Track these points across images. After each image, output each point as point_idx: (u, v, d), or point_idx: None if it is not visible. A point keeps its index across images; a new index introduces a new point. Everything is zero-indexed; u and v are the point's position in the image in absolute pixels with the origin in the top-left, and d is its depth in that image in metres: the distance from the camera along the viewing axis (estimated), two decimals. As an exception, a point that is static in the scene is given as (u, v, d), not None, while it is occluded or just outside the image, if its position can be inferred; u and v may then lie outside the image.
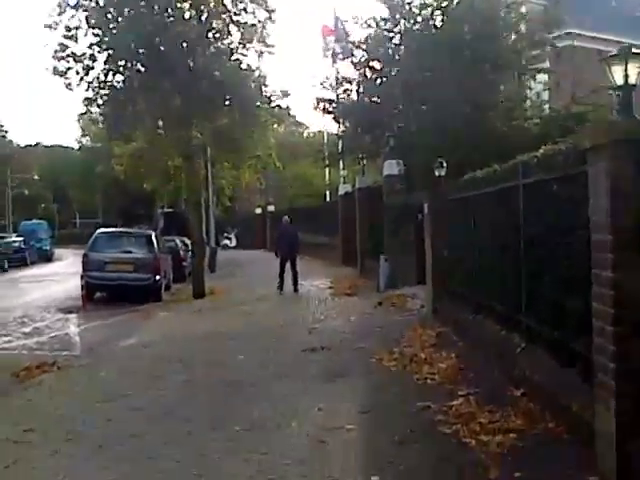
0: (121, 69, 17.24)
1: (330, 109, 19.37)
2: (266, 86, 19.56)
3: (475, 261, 8.32)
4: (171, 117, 18.11)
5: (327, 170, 33.59)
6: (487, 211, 7.60)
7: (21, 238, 36.63)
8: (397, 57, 19.14)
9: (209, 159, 27.23)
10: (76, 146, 75.09)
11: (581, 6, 25.43)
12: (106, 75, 17.23)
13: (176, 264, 21.64)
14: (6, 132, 72.57)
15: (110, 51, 17.01)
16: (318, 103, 19.51)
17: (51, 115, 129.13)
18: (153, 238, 17.39)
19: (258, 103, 19.00)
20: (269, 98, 19.48)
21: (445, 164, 11.31)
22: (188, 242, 29.71)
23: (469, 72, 16.64)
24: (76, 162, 69.96)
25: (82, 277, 15.51)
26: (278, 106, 19.68)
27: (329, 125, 25.58)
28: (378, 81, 19.24)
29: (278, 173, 46.74)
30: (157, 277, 16.89)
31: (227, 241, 50.79)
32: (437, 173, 11.33)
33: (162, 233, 33.46)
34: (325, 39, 22.31)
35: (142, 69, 17.40)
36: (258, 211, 47.36)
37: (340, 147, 21.08)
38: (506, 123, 16.40)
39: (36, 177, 62.74)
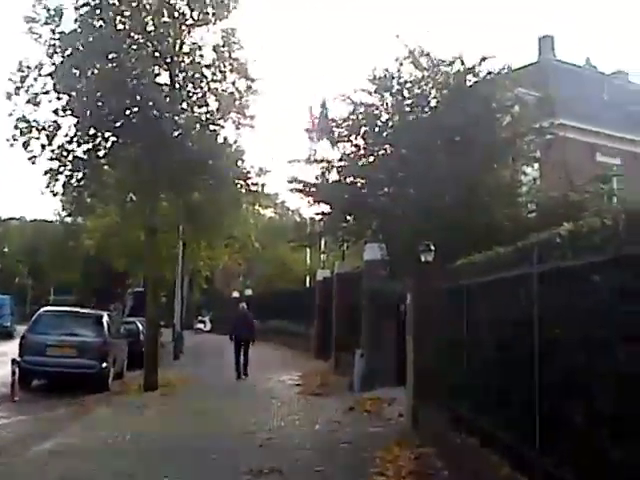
0: (86, 137, 15.79)
1: (305, 190, 18.08)
2: (243, 161, 18.27)
3: (469, 367, 6.61)
4: (139, 188, 16.61)
5: (307, 254, 32.17)
6: (487, 305, 5.96)
7: (-20, 314, 34.40)
8: (384, 134, 18.08)
9: (180, 236, 25.63)
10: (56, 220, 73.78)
11: (572, 98, 24.85)
12: (70, 143, 15.78)
13: (136, 349, 19.61)
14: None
15: (76, 118, 15.65)
16: (291, 183, 18.25)
17: (33, 187, 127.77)
18: (103, 319, 15.51)
19: (234, 179, 17.63)
20: (246, 174, 18.14)
21: (433, 247, 9.80)
22: (154, 325, 27.90)
23: (463, 154, 15.49)
24: (54, 237, 68.31)
25: (13, 361, 13.50)
26: (254, 184, 18.26)
27: (306, 208, 24.29)
28: (361, 161, 18.09)
29: (258, 256, 45.36)
30: (104, 364, 14.89)
31: (201, 325, 48.84)
32: (423, 258, 9.79)
33: (130, 314, 31.58)
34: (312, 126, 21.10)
35: (110, 136, 16.01)
36: (235, 294, 45.52)
37: (319, 229, 19.67)
38: (501, 209, 15.08)
39: (6, 250, 60.54)
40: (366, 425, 9.58)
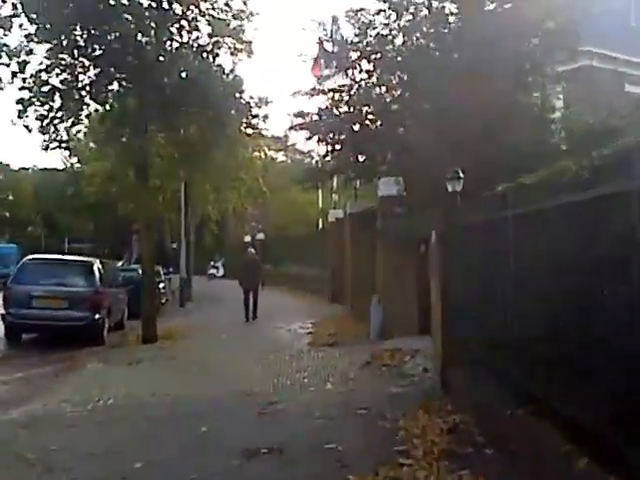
0: (62, 66, 14.10)
1: (311, 124, 16.39)
2: (241, 92, 16.53)
3: (519, 318, 5.15)
4: (125, 122, 14.99)
5: (320, 196, 30.61)
6: (548, 240, 4.43)
7: (-19, 263, 33.42)
8: (398, 59, 16.27)
9: (179, 177, 24.09)
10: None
11: (599, 25, 22.63)
12: (46, 72, 14.11)
13: (137, 297, 18.40)
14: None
15: (50, 44, 13.94)
16: (297, 117, 16.54)
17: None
18: (95, 268, 14.16)
19: (232, 111, 15.94)
20: (248, 104, 16.44)
21: (462, 174, 8.25)
22: (161, 270, 26.72)
23: (487, 76, 13.72)
24: (60, 185, 67.05)
25: (1, 316, 12.23)
26: (254, 116, 16.57)
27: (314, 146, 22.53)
28: (373, 89, 16.35)
29: (271, 200, 43.88)
30: (97, 315, 13.64)
31: (214, 270, 47.88)
32: (451, 187, 8.27)
33: (137, 261, 30.41)
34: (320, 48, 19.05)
35: (87, 63, 14.31)
36: (247, 239, 44.19)
37: (329, 168, 18.05)
38: (530, 134, 13.39)
39: (10, 198, 59.45)
40: (386, 383, 8.22)
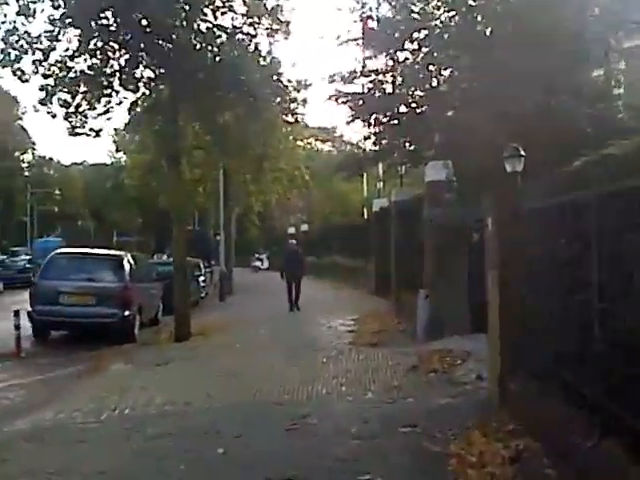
0: (91, 51, 13.36)
1: (355, 103, 15.33)
2: (279, 75, 15.59)
3: (603, 323, 4.07)
4: (157, 111, 14.23)
5: (364, 185, 29.48)
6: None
7: (28, 257, 33.45)
8: (445, 37, 15.10)
9: (218, 168, 23.36)
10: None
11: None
12: (72, 58, 13.42)
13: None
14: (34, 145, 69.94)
15: (78, 29, 13.22)
16: (338, 97, 15.49)
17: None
18: (125, 262, 13.47)
19: (269, 96, 15.01)
20: (285, 88, 15.49)
21: (523, 153, 7.13)
22: (200, 264, 26.10)
23: (543, 50, 12.49)
24: (106, 179, 67.63)
25: (16, 313, 11.63)
26: (293, 100, 15.59)
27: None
28: (420, 72, 15.22)
29: (315, 191, 43.00)
30: (127, 312, 12.96)
31: (258, 263, 47.34)
32: (510, 167, 7.17)
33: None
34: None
35: (118, 49, 13.56)
36: (291, 230, 43.40)
37: (373, 155, 16.98)
38: (588, 112, 12.10)
39: (57, 192, 60.09)
40: (434, 393, 7.19)
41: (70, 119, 13.04)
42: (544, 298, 5.57)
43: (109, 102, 13.66)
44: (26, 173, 66.61)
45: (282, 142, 24.03)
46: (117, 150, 67.43)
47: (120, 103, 13.53)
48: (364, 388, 7.72)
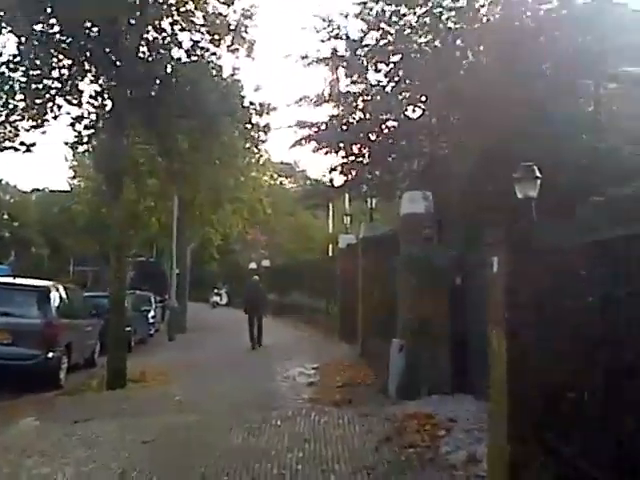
0: (29, 59, 11.75)
1: (318, 134, 13.98)
2: (241, 97, 14.13)
3: None
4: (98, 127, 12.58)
5: (330, 218, 28.03)
6: None
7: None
8: (425, 59, 13.92)
9: (171, 197, 21.68)
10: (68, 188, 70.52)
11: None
12: (7, 66, 11.80)
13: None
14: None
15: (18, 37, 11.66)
16: (301, 127, 14.14)
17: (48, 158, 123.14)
18: (51, 294, 11.63)
19: (231, 120, 13.51)
20: (247, 110, 14.01)
21: (539, 174, 5.68)
22: (151, 298, 24.22)
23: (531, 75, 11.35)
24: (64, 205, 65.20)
25: None
26: (253, 125, 14.11)
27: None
28: (396, 95, 13.96)
29: (276, 224, 41.43)
30: (50, 354, 11.10)
31: (217, 298, 45.39)
32: (521, 193, 5.72)
33: (131, 287, 27.91)
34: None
35: (60, 57, 11.96)
36: (252, 266, 41.62)
37: (339, 185, 15.55)
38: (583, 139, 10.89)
39: (6, 217, 57.55)
40: (416, 482, 5.55)
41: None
42: (572, 367, 4.07)
43: (45, 114, 12.00)
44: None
45: (242, 172, 22.50)
46: (74, 176, 65.32)
47: (56, 117, 11.87)
48: (326, 468, 6.05)
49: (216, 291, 46.17)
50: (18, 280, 12.56)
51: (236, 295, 42.48)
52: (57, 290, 12.19)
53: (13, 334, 10.83)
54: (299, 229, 43.44)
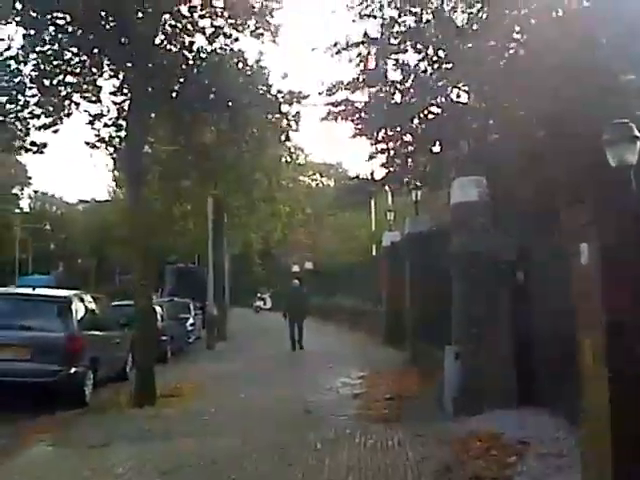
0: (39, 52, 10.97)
1: (357, 114, 12.82)
2: (269, 85, 13.11)
3: None
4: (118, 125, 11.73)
5: (372, 215, 26.84)
6: None
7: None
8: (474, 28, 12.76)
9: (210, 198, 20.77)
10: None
11: None
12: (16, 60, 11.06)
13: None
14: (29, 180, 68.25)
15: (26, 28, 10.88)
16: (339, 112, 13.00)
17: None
18: (73, 305, 10.75)
19: (258, 109, 12.52)
20: (276, 98, 12.98)
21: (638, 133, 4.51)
22: (190, 305, 23.44)
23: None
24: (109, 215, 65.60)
25: None
26: (282, 114, 13.06)
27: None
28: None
29: (318, 226, 40.48)
30: (73, 369, 10.23)
31: (260, 302, 44.68)
32: (614, 159, 4.56)
33: (171, 294, 27.18)
34: None
35: (75, 51, 11.15)
36: (295, 269, 40.74)
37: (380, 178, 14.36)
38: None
39: (47, 227, 57.99)
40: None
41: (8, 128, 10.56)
42: None
43: (62, 110, 11.19)
44: (24, 209, 64.86)
45: (276, 170, 21.50)
46: (117, 185, 65.52)
47: (69, 115, 11.03)
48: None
49: (259, 295, 45.54)
50: (38, 290, 11.73)
51: (280, 299, 41.67)
52: (81, 300, 11.32)
53: (31, 349, 9.98)
54: (341, 229, 42.35)
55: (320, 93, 12.95)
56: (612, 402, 3.55)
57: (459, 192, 9.18)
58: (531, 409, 7.36)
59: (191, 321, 22.35)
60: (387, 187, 14.78)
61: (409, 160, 12.67)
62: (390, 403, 8.99)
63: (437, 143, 11.92)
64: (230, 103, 11.68)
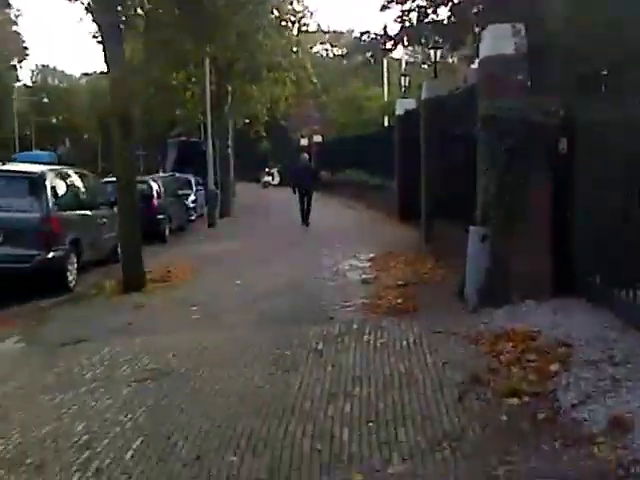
0: None
1: None
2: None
3: None
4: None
5: (384, 86, 24.93)
6: None
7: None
8: None
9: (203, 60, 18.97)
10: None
11: None
12: None
13: (148, 219, 13.85)
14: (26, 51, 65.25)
15: None
16: None
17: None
18: (47, 182, 9.55)
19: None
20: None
21: None
22: (192, 180, 22.31)
23: None
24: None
25: None
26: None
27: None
28: None
29: (326, 97, 38.38)
30: (51, 253, 9.22)
31: (268, 178, 43.71)
32: None
33: (173, 169, 25.93)
34: None
35: None
36: (303, 142, 39.16)
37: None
38: None
39: (45, 100, 56.00)
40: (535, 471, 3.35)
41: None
42: None
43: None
44: (23, 81, 62.61)
45: (279, 30, 19.52)
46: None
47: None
48: (386, 439, 3.90)
49: (267, 170, 44.42)
50: (7, 166, 10.50)
51: (288, 174, 40.43)
52: (60, 176, 10.11)
53: (3, 232, 8.93)
54: (351, 100, 40.22)
55: None
56: None
57: (491, 43, 7.59)
58: (569, 300, 6.27)
59: (192, 198, 21.33)
60: (401, 44, 13.01)
61: (428, 11, 10.89)
62: (403, 291, 7.93)
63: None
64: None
